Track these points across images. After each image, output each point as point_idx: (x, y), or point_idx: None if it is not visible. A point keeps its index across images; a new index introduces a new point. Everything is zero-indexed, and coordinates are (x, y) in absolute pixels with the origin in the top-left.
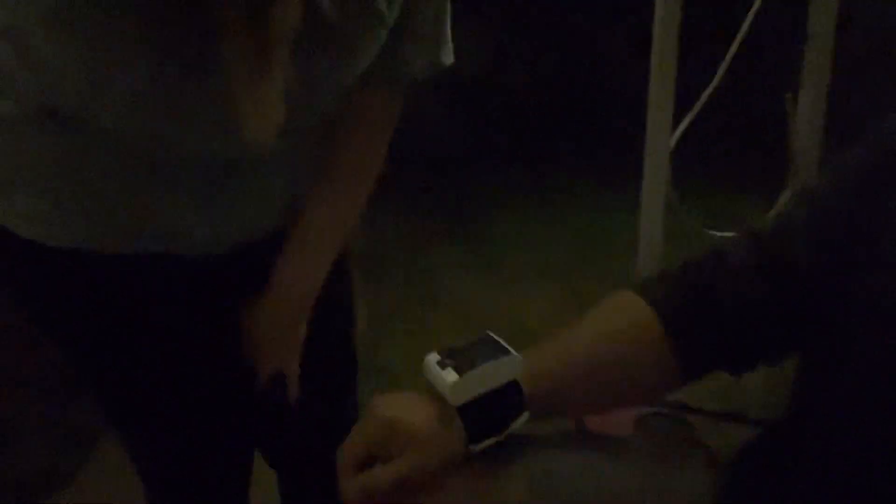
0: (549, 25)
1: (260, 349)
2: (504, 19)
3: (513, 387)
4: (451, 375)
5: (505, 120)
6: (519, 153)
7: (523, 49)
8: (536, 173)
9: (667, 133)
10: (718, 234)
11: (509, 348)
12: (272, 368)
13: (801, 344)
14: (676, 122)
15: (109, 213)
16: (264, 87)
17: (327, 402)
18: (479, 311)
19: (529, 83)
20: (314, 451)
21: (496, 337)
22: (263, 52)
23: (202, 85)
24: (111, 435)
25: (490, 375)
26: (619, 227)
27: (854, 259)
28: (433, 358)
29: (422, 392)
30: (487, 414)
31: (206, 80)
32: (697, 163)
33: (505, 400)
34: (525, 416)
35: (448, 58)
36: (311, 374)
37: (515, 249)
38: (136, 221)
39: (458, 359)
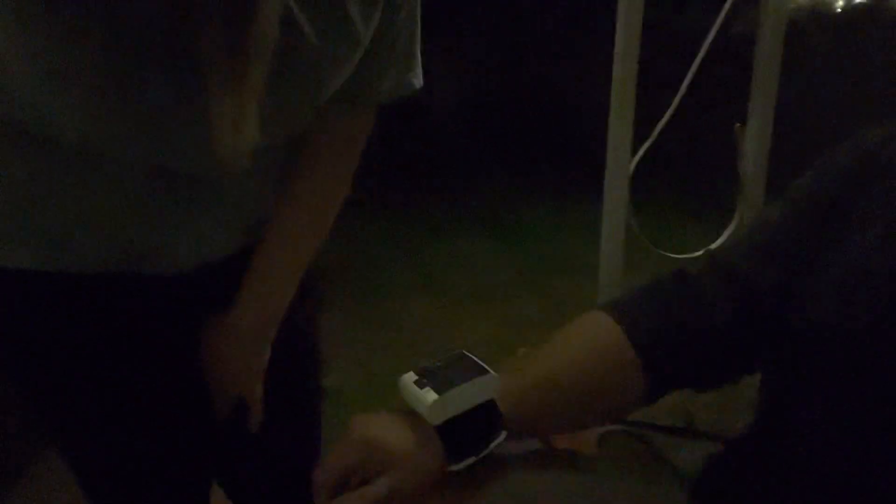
0: (510, 49)
1: (221, 374)
2: (467, 44)
3: (490, 406)
4: (429, 395)
5: (455, 142)
6: (469, 176)
7: (482, 72)
8: (485, 197)
9: (626, 157)
10: (673, 256)
11: (485, 366)
12: (234, 394)
13: (764, 361)
14: (634, 150)
15: (73, 232)
16: (240, 105)
17: (291, 431)
18: (427, 332)
19: (488, 104)
20: (277, 482)
21: (471, 354)
22: (241, 69)
23: (176, 102)
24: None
25: (468, 395)
26: (568, 249)
27: (807, 279)
28: (410, 377)
29: (397, 412)
30: (466, 433)
31: (180, 96)
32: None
33: (483, 419)
34: (503, 435)
35: (418, 80)
36: (274, 401)
37: (461, 272)
38: (100, 240)
39: (436, 378)
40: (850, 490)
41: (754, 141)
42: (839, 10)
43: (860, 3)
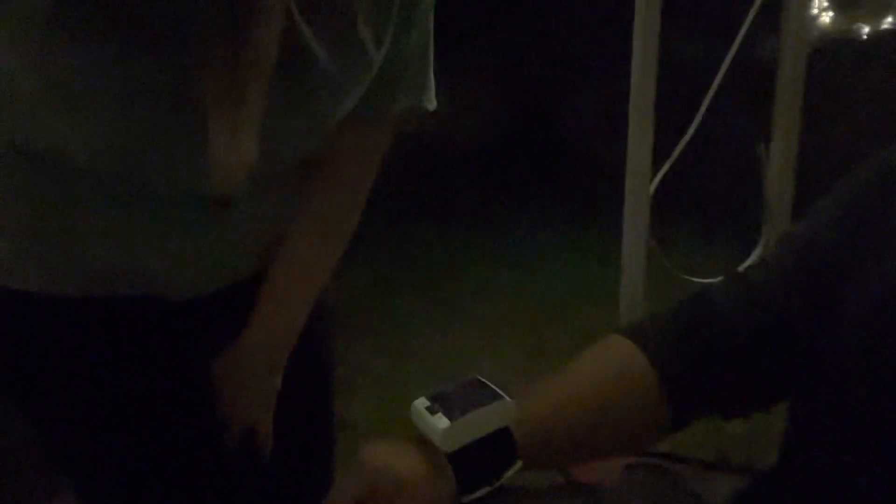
0: (526, 79)
1: (232, 402)
2: (484, 70)
3: (505, 434)
4: (441, 421)
5: (473, 174)
6: (487, 207)
7: (498, 102)
8: (506, 225)
9: (646, 179)
10: (698, 280)
11: (500, 392)
12: (244, 422)
13: (791, 388)
14: (654, 171)
15: (77, 254)
16: (237, 122)
17: (302, 461)
18: (448, 363)
19: (502, 135)
20: None
21: (485, 380)
22: (240, 87)
23: (173, 118)
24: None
25: (482, 422)
26: (586, 278)
27: (835, 301)
28: (422, 403)
29: (408, 439)
30: (479, 462)
31: (181, 115)
32: (675, 212)
33: (497, 447)
34: (518, 464)
35: (431, 102)
36: (285, 430)
37: (484, 301)
38: (104, 263)
39: (448, 404)
40: None
41: (779, 163)
42: (865, 36)
43: (886, 30)
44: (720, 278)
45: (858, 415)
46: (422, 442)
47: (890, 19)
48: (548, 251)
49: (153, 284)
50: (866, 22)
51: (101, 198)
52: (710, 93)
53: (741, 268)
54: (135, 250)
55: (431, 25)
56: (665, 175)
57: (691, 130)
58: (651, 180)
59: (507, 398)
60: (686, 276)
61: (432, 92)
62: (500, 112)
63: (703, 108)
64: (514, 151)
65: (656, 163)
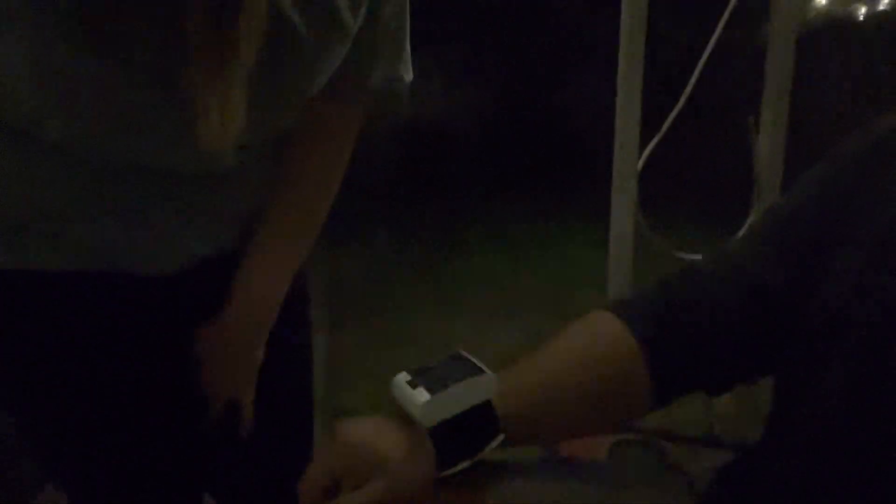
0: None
1: (213, 375)
2: (466, 59)
3: (486, 407)
4: (422, 395)
5: (470, 159)
6: (481, 193)
7: (487, 89)
8: (497, 213)
9: (634, 154)
10: (688, 257)
11: (482, 366)
12: (225, 396)
13: (776, 361)
14: (642, 147)
15: (54, 228)
16: (226, 94)
17: (282, 438)
18: (444, 348)
19: (496, 124)
20: (267, 491)
21: (467, 355)
22: (227, 57)
23: (159, 93)
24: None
25: (463, 395)
26: (583, 263)
27: (822, 270)
28: (403, 377)
29: (390, 415)
30: (460, 436)
31: (163, 87)
32: (664, 188)
33: (478, 421)
34: (499, 438)
35: (408, 73)
36: (265, 408)
37: (477, 288)
38: (83, 237)
39: (429, 378)
40: (865, 496)
41: (768, 135)
42: (861, 17)
43: (882, 11)
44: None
45: (841, 386)
46: (401, 417)
47: (886, 0)
48: (542, 237)
49: (132, 259)
50: (862, 2)
51: (75, 172)
52: (698, 69)
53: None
54: (113, 225)
55: None
56: (654, 152)
57: (679, 106)
58: (639, 156)
59: (489, 372)
60: (676, 253)
61: (409, 61)
62: (494, 101)
63: (690, 85)
64: (508, 139)
65: (645, 140)
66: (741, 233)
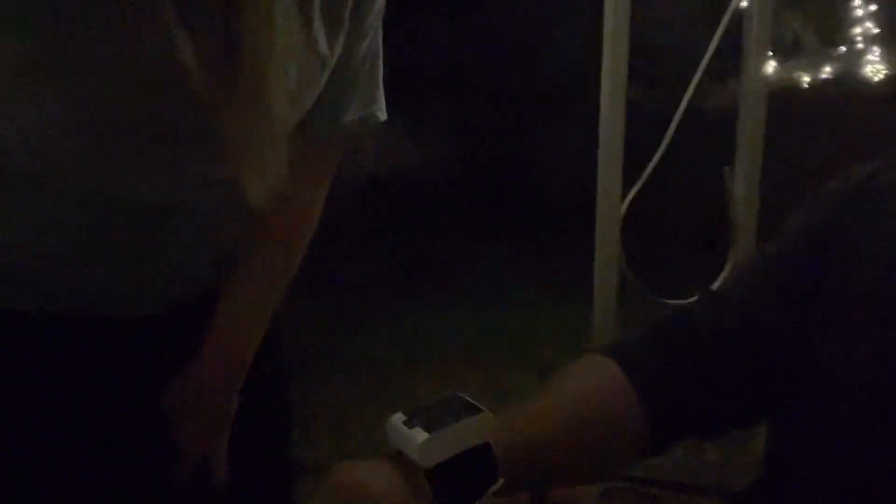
0: (486, 117)
1: (184, 429)
2: (450, 112)
3: (486, 449)
4: (419, 434)
5: (440, 213)
6: (452, 246)
7: (460, 140)
8: (468, 266)
9: (617, 198)
10: (671, 301)
11: (480, 406)
12: (197, 452)
13: (771, 407)
14: (624, 194)
15: (21, 266)
16: (266, 156)
17: (257, 494)
18: (412, 401)
19: (464, 175)
20: None
21: (463, 395)
22: (234, 82)
23: (135, 113)
24: None
25: (462, 435)
26: (551, 319)
27: (812, 316)
28: (398, 418)
29: (382, 456)
30: (460, 479)
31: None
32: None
33: (478, 463)
34: (500, 482)
35: (382, 114)
36: (240, 461)
37: (449, 342)
38: (49, 274)
39: (426, 417)
40: None
41: (742, 184)
42: (806, 85)
43: (826, 79)
44: (695, 298)
45: (843, 430)
46: (397, 458)
47: (828, 69)
48: (512, 291)
49: (94, 299)
50: (806, 72)
51: (46, 208)
52: (680, 110)
53: (713, 287)
54: (82, 264)
55: (380, 37)
56: (635, 200)
57: (659, 153)
58: (622, 204)
59: (487, 410)
60: (658, 298)
61: (382, 102)
62: (466, 150)
63: (669, 134)
64: (479, 190)
65: (625, 188)
66: (720, 279)
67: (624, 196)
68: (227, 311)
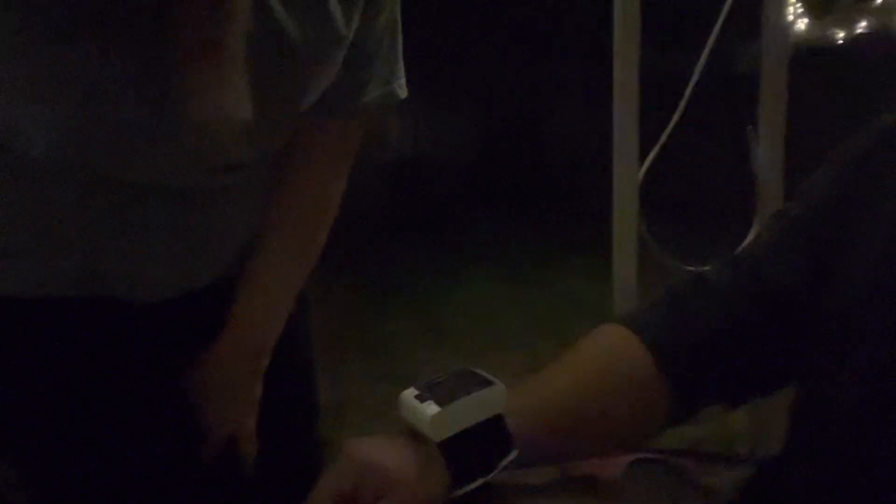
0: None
1: (211, 408)
2: (468, 88)
3: (498, 421)
4: (431, 408)
5: (462, 190)
6: (475, 223)
7: (481, 118)
8: (492, 242)
9: (634, 167)
10: (692, 268)
11: (492, 378)
12: (225, 432)
13: (793, 369)
14: (642, 160)
15: (41, 253)
16: (223, 76)
17: (287, 472)
18: None
19: (484, 152)
20: None
21: (476, 369)
22: (215, 38)
23: (147, 101)
24: None
25: (474, 408)
26: (581, 293)
27: (831, 274)
28: (410, 392)
29: (396, 432)
30: (473, 451)
31: (151, 92)
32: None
33: (490, 435)
34: (513, 453)
35: (402, 90)
36: (267, 442)
37: (475, 320)
38: (69, 260)
39: (438, 391)
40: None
41: (768, 142)
42: (840, 41)
43: (860, 34)
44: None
45: (859, 391)
46: (410, 434)
47: (864, 24)
48: (538, 266)
49: (116, 284)
50: (841, 27)
51: (62, 192)
52: (693, 81)
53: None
54: (102, 248)
55: (398, 11)
56: (654, 165)
57: (676, 117)
58: (639, 168)
59: (499, 383)
60: (681, 265)
61: (403, 78)
62: (487, 130)
63: (686, 96)
64: (501, 168)
65: (644, 153)
66: (746, 243)
67: (642, 161)
68: (252, 287)
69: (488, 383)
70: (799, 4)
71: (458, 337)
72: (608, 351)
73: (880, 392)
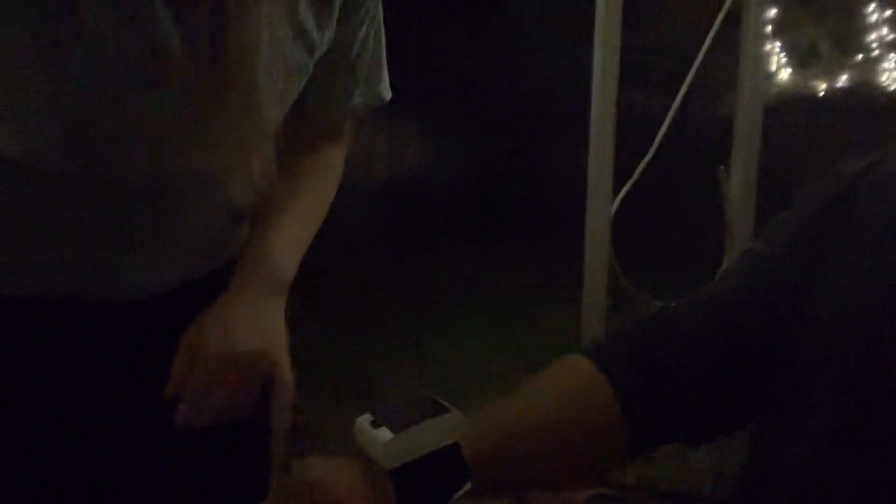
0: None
1: (238, 342)
2: (439, 117)
3: (454, 451)
4: (383, 434)
5: (443, 218)
6: (456, 251)
7: (458, 147)
8: (473, 271)
9: (608, 197)
10: (660, 302)
11: (449, 406)
12: (259, 370)
13: (756, 410)
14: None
15: (23, 251)
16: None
17: (235, 490)
18: None
19: (470, 183)
20: None
21: (435, 397)
22: (224, 75)
23: (127, 103)
24: None
25: (428, 435)
26: (556, 324)
27: (796, 316)
28: (366, 419)
29: (347, 455)
30: (425, 481)
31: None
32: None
33: (445, 465)
34: (467, 485)
35: (387, 93)
36: (219, 461)
37: (451, 345)
38: (44, 257)
39: (394, 417)
40: None
41: (738, 183)
42: (822, 93)
43: (841, 88)
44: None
45: (826, 427)
46: (361, 459)
47: (845, 77)
48: (515, 296)
49: (92, 283)
50: (822, 80)
51: (36, 192)
52: (673, 108)
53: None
54: (71, 245)
55: (380, 17)
56: (627, 200)
57: (651, 152)
58: (612, 200)
59: (456, 410)
60: (649, 299)
61: (387, 81)
62: (467, 161)
63: (661, 133)
64: (483, 198)
65: (618, 187)
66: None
67: (615, 195)
68: (269, 220)
69: (445, 410)
70: (783, 55)
71: (438, 363)
72: (569, 382)
73: (843, 430)
